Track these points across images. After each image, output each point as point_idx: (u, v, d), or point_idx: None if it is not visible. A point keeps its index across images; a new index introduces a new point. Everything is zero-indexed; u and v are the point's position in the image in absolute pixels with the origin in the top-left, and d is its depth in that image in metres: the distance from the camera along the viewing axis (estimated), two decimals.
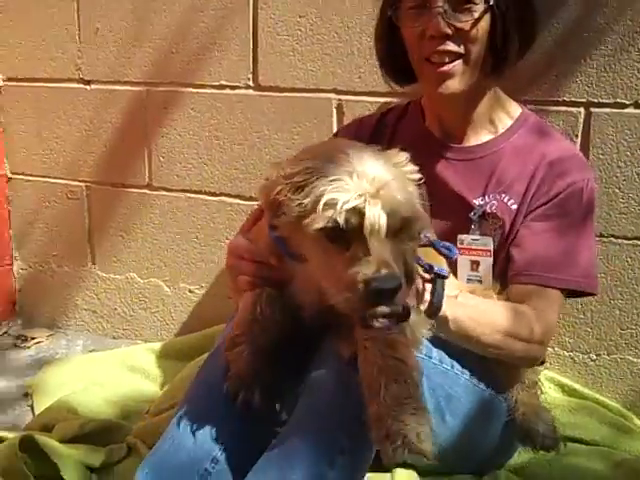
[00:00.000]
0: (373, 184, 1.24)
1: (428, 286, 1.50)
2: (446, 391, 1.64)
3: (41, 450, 1.89)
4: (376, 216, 1.22)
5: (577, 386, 2.22)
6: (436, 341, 1.58)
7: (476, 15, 1.68)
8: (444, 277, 1.51)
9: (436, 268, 1.50)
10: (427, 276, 1.50)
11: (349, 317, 1.35)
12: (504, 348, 1.64)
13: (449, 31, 1.68)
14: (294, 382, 1.53)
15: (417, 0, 1.71)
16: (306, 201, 1.26)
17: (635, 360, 2.18)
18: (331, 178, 1.25)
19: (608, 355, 2.21)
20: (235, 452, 1.52)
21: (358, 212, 1.22)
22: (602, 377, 2.23)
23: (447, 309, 1.52)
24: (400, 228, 1.28)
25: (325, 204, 1.22)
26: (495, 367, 1.71)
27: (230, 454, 1.52)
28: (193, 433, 1.52)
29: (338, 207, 1.21)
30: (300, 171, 1.30)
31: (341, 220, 1.22)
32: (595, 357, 2.23)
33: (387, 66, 1.92)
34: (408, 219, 1.28)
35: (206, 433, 1.52)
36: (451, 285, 1.55)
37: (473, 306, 1.63)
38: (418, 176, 1.36)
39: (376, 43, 1.93)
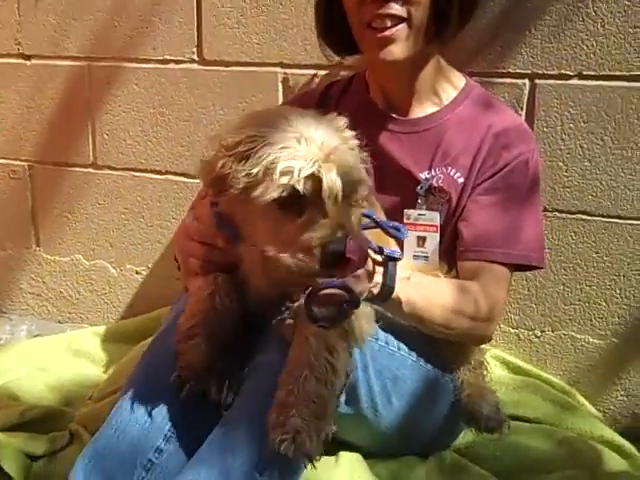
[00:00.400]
0: (322, 149, 1.24)
1: (379, 269, 1.47)
2: (393, 373, 1.62)
3: None
4: (333, 181, 1.23)
5: (522, 363, 2.22)
6: (382, 323, 1.55)
7: None
8: (396, 259, 1.48)
9: (387, 250, 1.47)
10: (379, 258, 1.47)
11: (295, 295, 1.34)
12: (453, 327, 1.62)
13: None
14: (240, 366, 1.50)
15: None
16: (255, 170, 1.23)
17: (578, 336, 2.17)
18: (280, 145, 1.23)
19: (552, 331, 2.20)
20: (180, 440, 1.49)
21: (313, 177, 1.22)
22: (546, 354, 2.22)
23: (400, 291, 1.49)
24: (351, 192, 1.28)
25: (281, 172, 1.21)
26: (442, 348, 1.70)
27: (175, 442, 1.48)
28: (136, 421, 1.48)
29: (295, 175, 1.21)
30: (243, 140, 1.26)
31: (300, 187, 1.21)
32: (540, 333, 2.22)
33: (326, 35, 1.87)
34: (358, 182, 1.30)
35: (149, 421, 1.48)
36: (403, 266, 1.52)
37: (426, 286, 1.60)
38: (357, 141, 1.36)
39: (316, 11, 1.87)
